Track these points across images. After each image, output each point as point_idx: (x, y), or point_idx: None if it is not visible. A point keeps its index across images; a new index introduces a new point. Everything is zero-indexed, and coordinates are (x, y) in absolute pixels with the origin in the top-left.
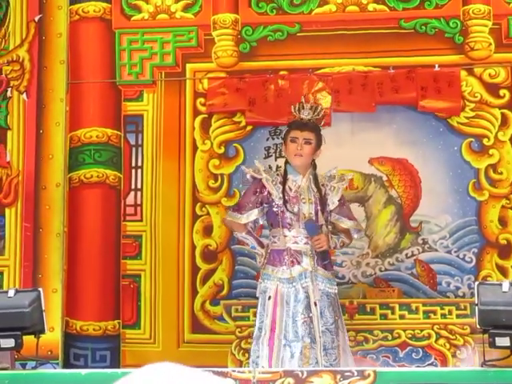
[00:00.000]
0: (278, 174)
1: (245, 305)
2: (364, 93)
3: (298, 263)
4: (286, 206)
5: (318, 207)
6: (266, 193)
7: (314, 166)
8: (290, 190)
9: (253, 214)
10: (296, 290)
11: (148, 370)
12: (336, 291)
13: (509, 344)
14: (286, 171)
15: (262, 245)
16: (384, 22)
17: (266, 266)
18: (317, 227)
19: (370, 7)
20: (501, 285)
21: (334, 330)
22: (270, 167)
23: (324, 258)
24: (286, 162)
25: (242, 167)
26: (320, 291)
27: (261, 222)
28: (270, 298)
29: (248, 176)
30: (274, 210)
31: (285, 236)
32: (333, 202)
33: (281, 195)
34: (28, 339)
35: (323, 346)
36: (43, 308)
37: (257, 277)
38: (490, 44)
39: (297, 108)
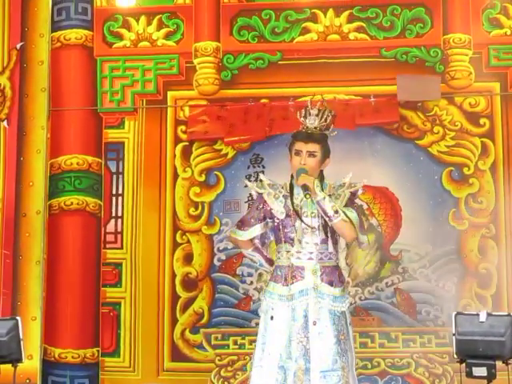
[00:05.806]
0: (282, 187)
1: (224, 333)
2: (345, 113)
3: (300, 279)
4: (298, 220)
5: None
6: (268, 207)
7: (322, 178)
8: (293, 204)
9: (255, 230)
10: (293, 309)
11: None
12: (345, 309)
13: (485, 374)
14: (291, 185)
15: (270, 262)
16: (365, 50)
17: (269, 283)
18: (303, 169)
19: (352, 36)
20: (478, 315)
21: (337, 350)
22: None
23: (331, 274)
24: (292, 175)
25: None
26: (323, 309)
27: (271, 238)
28: (272, 318)
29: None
30: (276, 225)
31: (287, 251)
32: (330, 209)
33: (282, 210)
34: (6, 367)
35: (322, 368)
36: (21, 337)
37: (237, 305)
38: (471, 73)
39: (303, 114)
